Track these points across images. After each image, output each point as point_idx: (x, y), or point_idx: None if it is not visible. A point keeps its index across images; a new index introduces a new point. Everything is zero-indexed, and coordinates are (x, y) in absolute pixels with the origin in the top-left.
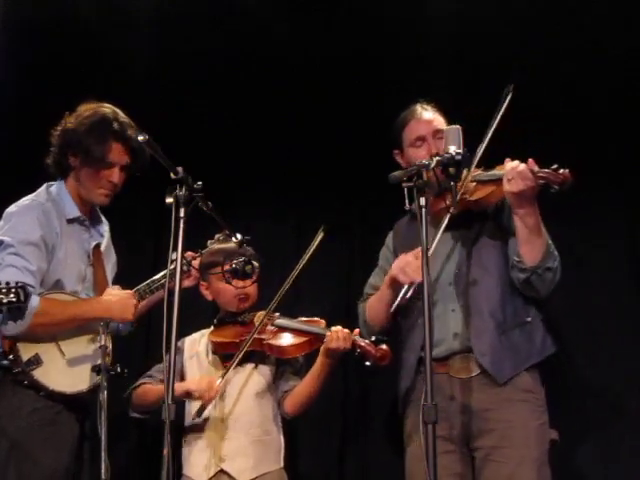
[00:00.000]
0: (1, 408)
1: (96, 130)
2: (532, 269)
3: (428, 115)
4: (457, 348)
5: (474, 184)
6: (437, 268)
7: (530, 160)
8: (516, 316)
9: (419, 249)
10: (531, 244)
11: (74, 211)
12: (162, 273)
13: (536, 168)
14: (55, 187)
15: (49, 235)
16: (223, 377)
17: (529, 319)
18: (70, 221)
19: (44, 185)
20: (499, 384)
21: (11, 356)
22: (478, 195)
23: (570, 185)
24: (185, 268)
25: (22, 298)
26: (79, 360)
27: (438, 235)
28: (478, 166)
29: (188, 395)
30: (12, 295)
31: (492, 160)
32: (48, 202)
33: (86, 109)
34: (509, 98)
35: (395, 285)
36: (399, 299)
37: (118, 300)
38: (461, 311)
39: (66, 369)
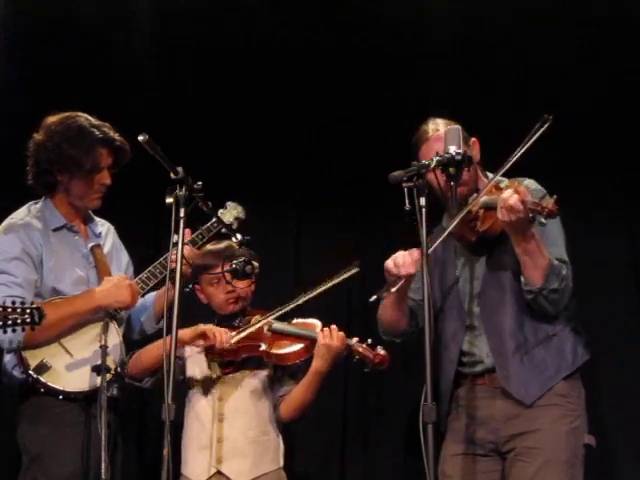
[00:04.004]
0: (22, 424)
1: (81, 142)
2: (537, 291)
3: (438, 137)
4: (492, 366)
5: (482, 211)
6: (466, 293)
7: (522, 190)
8: (538, 333)
9: (414, 249)
10: (531, 268)
11: (59, 220)
12: (164, 257)
13: (529, 199)
14: (38, 204)
15: (31, 247)
16: (238, 334)
17: (554, 332)
18: (56, 229)
19: (26, 205)
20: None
21: (22, 368)
22: (486, 225)
23: (555, 216)
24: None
25: (37, 319)
26: (88, 357)
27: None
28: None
29: (202, 337)
30: (27, 316)
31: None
32: (27, 217)
33: (55, 123)
34: (544, 129)
35: (391, 279)
36: (381, 291)
37: (111, 285)
38: (486, 334)
39: (76, 368)
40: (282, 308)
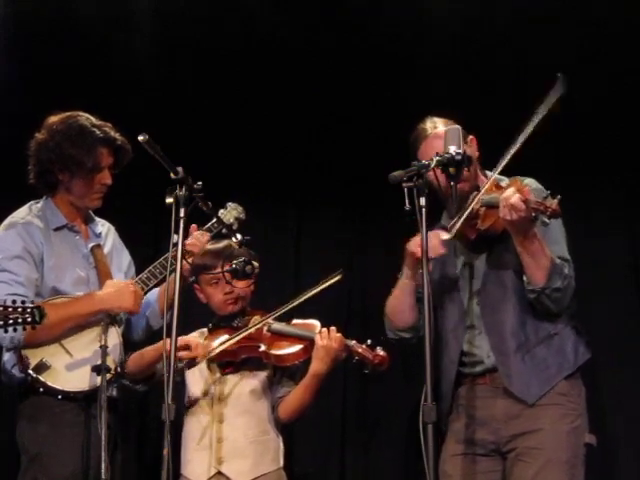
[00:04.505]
0: (22, 423)
1: (81, 141)
2: (539, 291)
3: (436, 134)
4: (492, 366)
5: (483, 209)
6: (466, 291)
7: (525, 189)
8: (540, 332)
9: (437, 231)
10: (534, 268)
11: (60, 220)
12: (164, 257)
13: (531, 198)
14: (40, 203)
15: (32, 246)
16: (220, 345)
17: (556, 331)
18: (57, 229)
19: (27, 204)
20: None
21: (21, 367)
22: (487, 223)
23: (558, 216)
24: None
25: (37, 318)
26: (88, 357)
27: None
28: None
29: (186, 347)
30: (27, 315)
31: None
32: (29, 216)
33: (57, 123)
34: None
35: (414, 263)
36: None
37: (115, 290)
38: (486, 332)
39: (76, 368)
40: (281, 309)
